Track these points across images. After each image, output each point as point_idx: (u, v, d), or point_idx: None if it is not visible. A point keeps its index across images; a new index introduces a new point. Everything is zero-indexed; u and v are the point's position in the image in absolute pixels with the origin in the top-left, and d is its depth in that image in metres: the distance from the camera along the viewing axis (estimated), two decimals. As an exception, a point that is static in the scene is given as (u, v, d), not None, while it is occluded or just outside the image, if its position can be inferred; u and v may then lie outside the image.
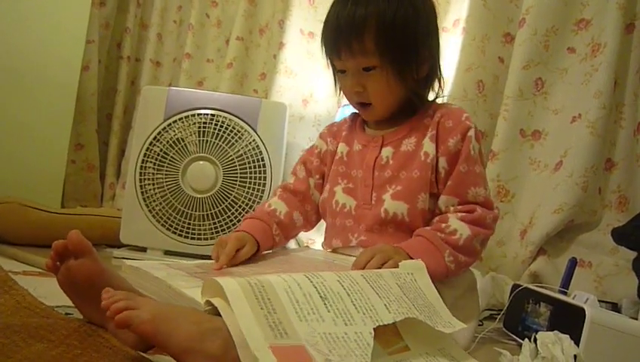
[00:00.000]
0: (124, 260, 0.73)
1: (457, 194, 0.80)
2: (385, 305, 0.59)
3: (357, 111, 0.96)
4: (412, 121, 0.86)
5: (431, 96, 0.90)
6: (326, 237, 0.94)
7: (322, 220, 0.97)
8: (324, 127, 1.01)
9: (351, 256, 0.83)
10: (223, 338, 0.50)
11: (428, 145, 0.82)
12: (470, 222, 0.78)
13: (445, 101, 0.92)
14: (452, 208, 0.80)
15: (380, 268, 0.70)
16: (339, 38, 0.81)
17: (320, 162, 0.96)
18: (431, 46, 0.85)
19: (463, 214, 0.79)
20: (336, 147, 0.93)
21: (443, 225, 0.78)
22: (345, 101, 0.93)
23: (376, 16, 0.79)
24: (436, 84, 0.89)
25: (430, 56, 0.85)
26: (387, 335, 0.59)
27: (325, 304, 0.55)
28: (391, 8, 0.79)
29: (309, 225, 0.96)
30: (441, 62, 0.89)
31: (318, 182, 0.95)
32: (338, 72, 0.88)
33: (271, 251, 0.89)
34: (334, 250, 0.90)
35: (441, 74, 0.89)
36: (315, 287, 0.57)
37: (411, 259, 0.73)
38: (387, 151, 0.86)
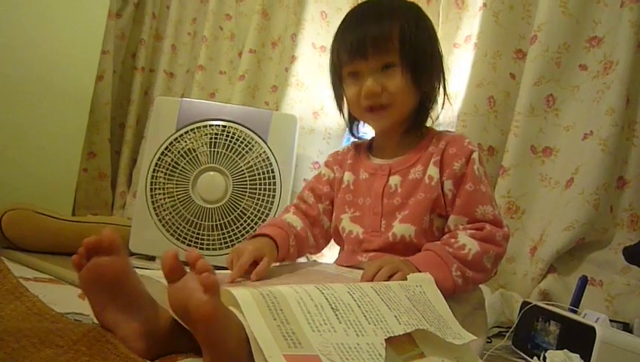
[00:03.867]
0: (136, 270, 0.73)
1: (466, 213, 0.81)
2: (395, 316, 0.59)
3: (359, 141, 0.99)
4: (417, 150, 0.88)
5: (435, 112, 0.93)
6: (338, 258, 0.95)
7: (329, 244, 0.99)
8: (329, 156, 1.03)
9: (360, 268, 0.83)
10: None
11: (432, 170, 0.84)
12: (480, 239, 0.78)
13: (456, 116, 0.94)
14: (461, 226, 0.81)
15: (388, 279, 0.70)
16: (366, 38, 0.84)
17: (330, 188, 0.97)
18: (439, 62, 0.90)
19: (473, 231, 0.79)
20: (342, 175, 0.95)
21: (452, 240, 0.79)
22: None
23: (400, 25, 0.84)
24: (440, 100, 0.92)
25: (439, 70, 0.90)
26: (402, 342, 0.59)
27: (337, 315, 0.55)
28: (412, 20, 0.86)
29: (317, 248, 0.97)
30: (448, 80, 0.93)
31: (327, 208, 0.96)
32: (349, 77, 0.88)
33: (278, 264, 0.89)
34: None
35: (446, 90, 0.92)
36: (327, 298, 0.57)
37: (419, 271, 0.74)
38: (395, 180, 0.87)
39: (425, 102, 0.89)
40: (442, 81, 0.91)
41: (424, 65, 0.86)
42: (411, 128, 0.90)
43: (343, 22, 0.90)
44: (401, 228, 0.84)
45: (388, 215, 0.86)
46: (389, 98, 0.85)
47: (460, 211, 0.82)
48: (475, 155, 0.83)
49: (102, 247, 0.60)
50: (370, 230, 0.87)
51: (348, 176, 0.94)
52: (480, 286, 0.86)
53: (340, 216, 0.92)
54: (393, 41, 0.83)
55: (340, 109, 0.95)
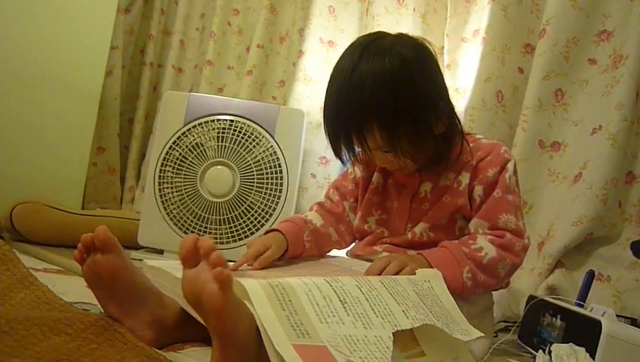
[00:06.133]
0: (145, 260, 0.74)
1: (488, 219, 0.81)
2: (403, 310, 0.60)
3: None
4: (451, 160, 0.84)
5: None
6: (354, 247, 0.95)
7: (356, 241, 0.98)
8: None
9: (370, 260, 0.83)
10: None
11: (463, 176, 0.84)
12: (498, 246, 0.78)
13: (464, 111, 0.91)
14: (481, 231, 0.81)
15: (396, 274, 0.70)
16: (351, 138, 0.81)
17: (355, 186, 0.96)
18: (438, 102, 0.81)
19: (492, 237, 0.80)
20: (371, 175, 0.93)
21: (470, 241, 0.79)
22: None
23: (377, 121, 0.77)
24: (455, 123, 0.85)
25: (440, 111, 0.81)
26: (404, 339, 0.59)
27: (345, 307, 0.56)
28: (390, 99, 0.76)
29: (344, 243, 0.97)
30: (451, 101, 0.85)
31: (352, 205, 0.96)
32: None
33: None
34: (356, 256, 0.91)
35: (455, 113, 0.85)
36: (335, 291, 0.58)
37: (430, 266, 0.74)
38: (426, 186, 0.87)
39: (441, 141, 0.82)
40: (450, 109, 0.83)
41: (421, 136, 0.79)
42: (437, 160, 0.84)
43: (326, 94, 0.85)
44: (421, 227, 0.85)
45: (414, 219, 0.86)
46: (398, 166, 0.83)
47: (483, 216, 0.82)
48: (510, 165, 0.83)
49: (96, 246, 0.61)
50: (394, 232, 0.88)
51: (377, 177, 0.92)
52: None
53: (366, 218, 0.92)
54: (376, 138, 0.78)
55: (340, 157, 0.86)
